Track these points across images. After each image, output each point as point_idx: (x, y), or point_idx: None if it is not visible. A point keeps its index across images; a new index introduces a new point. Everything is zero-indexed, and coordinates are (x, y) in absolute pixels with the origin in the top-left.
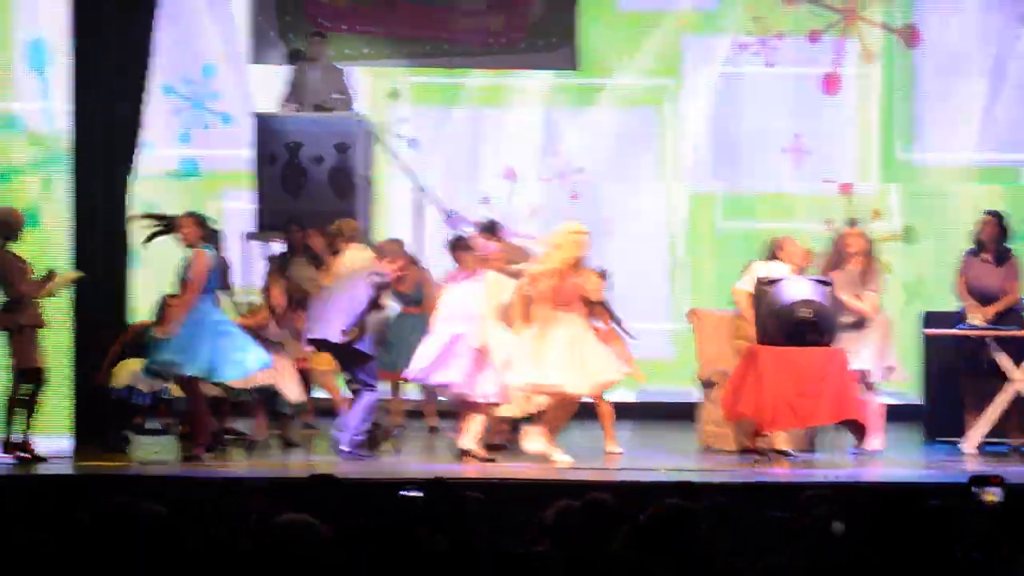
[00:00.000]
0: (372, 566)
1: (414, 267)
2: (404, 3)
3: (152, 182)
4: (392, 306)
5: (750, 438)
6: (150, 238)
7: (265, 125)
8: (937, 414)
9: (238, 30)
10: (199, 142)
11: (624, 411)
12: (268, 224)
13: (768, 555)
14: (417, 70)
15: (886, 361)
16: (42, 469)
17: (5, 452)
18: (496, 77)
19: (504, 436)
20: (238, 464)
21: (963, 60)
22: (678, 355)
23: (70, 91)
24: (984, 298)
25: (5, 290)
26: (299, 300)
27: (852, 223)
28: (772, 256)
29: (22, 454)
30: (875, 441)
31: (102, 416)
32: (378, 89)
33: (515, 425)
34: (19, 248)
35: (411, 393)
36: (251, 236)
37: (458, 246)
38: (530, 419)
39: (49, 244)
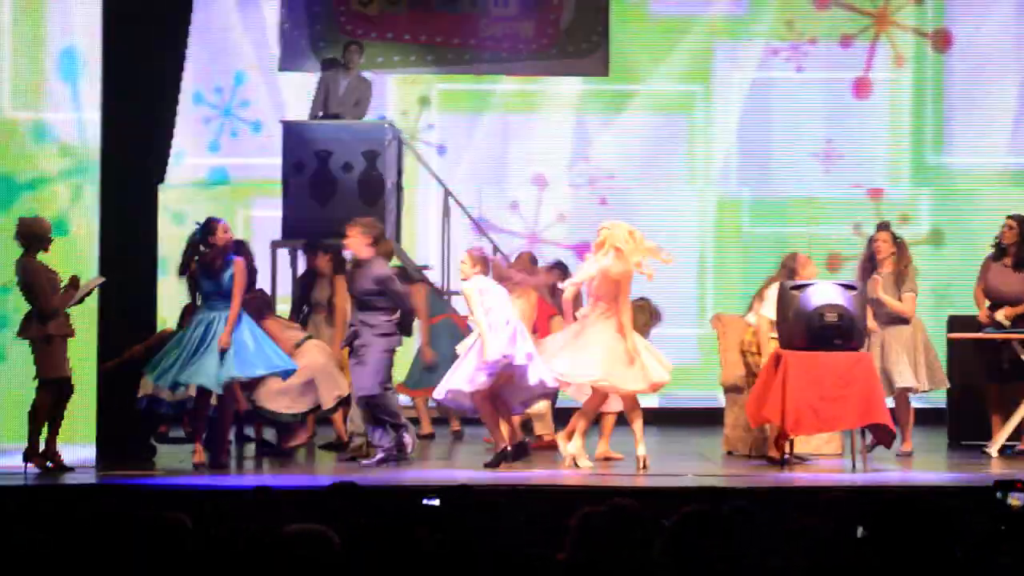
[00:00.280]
0: (389, 572)
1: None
2: (434, 10)
3: (182, 191)
4: None
5: (772, 443)
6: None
7: (293, 133)
8: (962, 417)
9: (269, 39)
10: (229, 150)
11: (649, 416)
12: (295, 232)
13: (781, 557)
14: (447, 77)
15: (931, 374)
16: (67, 478)
17: (30, 461)
18: (526, 83)
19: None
20: (263, 472)
21: (994, 64)
22: (704, 360)
23: (101, 100)
24: (1002, 303)
25: (34, 301)
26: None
27: (882, 227)
28: (790, 276)
29: (48, 463)
30: (906, 444)
31: (126, 425)
32: (408, 96)
33: (527, 426)
34: (46, 257)
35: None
36: (276, 244)
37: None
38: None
39: (77, 253)
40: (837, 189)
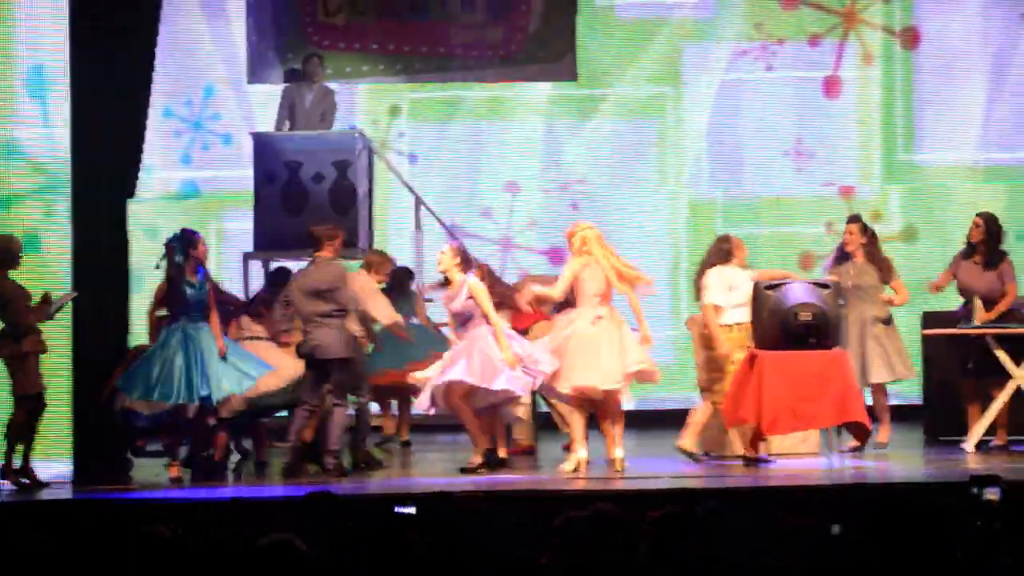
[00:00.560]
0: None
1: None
2: (402, 19)
3: (153, 204)
4: None
5: (747, 443)
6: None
7: (263, 145)
8: (938, 413)
9: (238, 51)
10: (200, 163)
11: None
12: (267, 243)
13: (768, 557)
14: (417, 85)
15: (897, 367)
16: (43, 494)
17: (6, 478)
18: (496, 90)
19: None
20: (242, 483)
21: (963, 60)
22: (679, 361)
23: (70, 116)
24: (972, 300)
25: (7, 319)
26: None
27: (851, 219)
28: (726, 258)
29: (23, 480)
30: (882, 434)
31: (102, 440)
32: (378, 105)
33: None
34: (19, 275)
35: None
36: (248, 256)
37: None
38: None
39: (49, 270)
40: (809, 188)
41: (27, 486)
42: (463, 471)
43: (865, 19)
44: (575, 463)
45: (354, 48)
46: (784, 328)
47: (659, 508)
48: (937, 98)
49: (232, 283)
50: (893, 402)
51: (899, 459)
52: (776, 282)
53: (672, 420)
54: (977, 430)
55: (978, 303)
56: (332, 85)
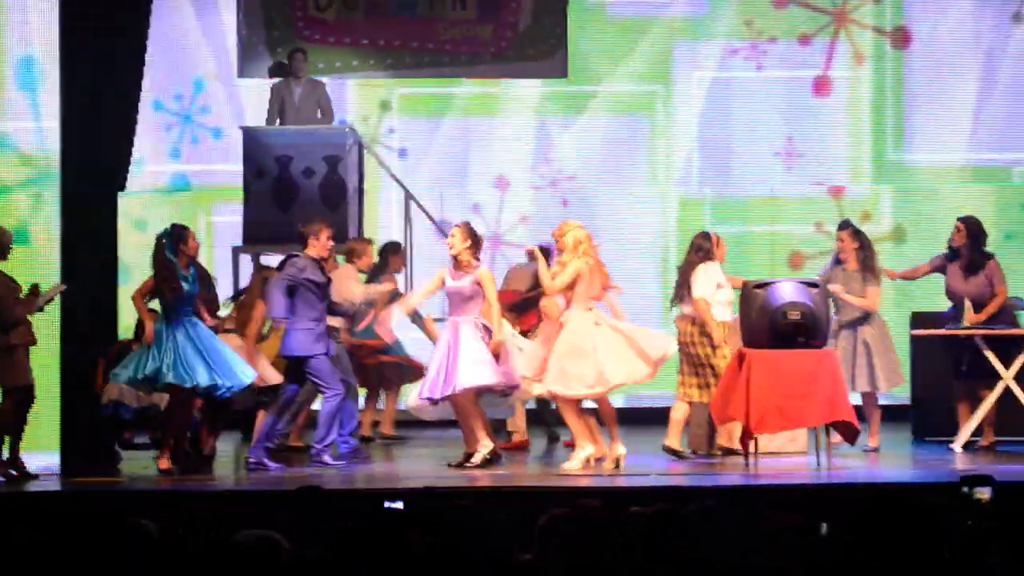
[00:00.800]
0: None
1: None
2: (393, 14)
3: (143, 198)
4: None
5: (735, 440)
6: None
7: (253, 139)
8: (926, 414)
9: (228, 45)
10: (190, 157)
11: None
12: (256, 237)
13: (757, 556)
14: (407, 81)
15: (888, 374)
16: (32, 486)
17: None
18: (486, 86)
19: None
20: (228, 478)
21: (953, 60)
22: (667, 360)
23: (60, 108)
24: (961, 304)
25: None
26: None
27: (841, 226)
28: (707, 255)
29: (12, 472)
30: (872, 440)
31: (90, 432)
32: (368, 100)
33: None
34: (8, 267)
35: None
36: (238, 250)
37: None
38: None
39: (39, 262)
40: (798, 187)
41: (16, 478)
42: (459, 466)
43: (856, 19)
44: (584, 460)
45: (344, 43)
46: (772, 327)
47: (647, 505)
48: (927, 98)
49: (222, 277)
50: (881, 402)
51: (888, 458)
52: (764, 281)
53: (659, 419)
54: (965, 430)
55: (967, 304)
56: (321, 78)
